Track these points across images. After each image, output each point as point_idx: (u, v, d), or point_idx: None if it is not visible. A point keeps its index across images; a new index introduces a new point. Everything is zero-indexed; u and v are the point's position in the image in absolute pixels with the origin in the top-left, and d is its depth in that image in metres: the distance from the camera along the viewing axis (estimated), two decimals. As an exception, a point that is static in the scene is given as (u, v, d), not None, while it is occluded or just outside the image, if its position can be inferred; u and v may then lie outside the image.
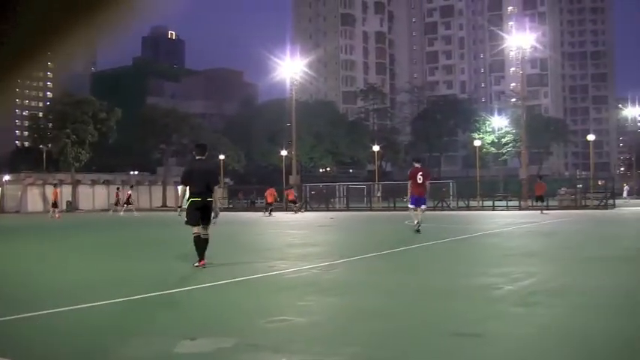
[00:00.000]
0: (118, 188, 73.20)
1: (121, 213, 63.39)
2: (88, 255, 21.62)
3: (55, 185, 62.63)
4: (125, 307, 10.45)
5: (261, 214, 59.15)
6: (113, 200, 70.98)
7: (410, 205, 28.63)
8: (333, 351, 7.13)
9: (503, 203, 67.36)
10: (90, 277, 14.88)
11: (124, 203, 65.30)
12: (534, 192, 54.74)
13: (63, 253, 22.72)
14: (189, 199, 16.11)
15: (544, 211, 51.36)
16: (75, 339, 8.08)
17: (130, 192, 67.95)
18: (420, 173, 28.06)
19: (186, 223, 16.12)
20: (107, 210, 78.86)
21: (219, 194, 17.95)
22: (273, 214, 57.53)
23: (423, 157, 33.55)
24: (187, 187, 16.24)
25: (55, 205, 57.51)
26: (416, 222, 27.81)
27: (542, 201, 53.18)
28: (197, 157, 16.77)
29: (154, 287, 12.41)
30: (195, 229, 16.03)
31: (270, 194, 60.52)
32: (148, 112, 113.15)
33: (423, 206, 28.47)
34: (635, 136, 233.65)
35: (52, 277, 15.24)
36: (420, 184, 27.82)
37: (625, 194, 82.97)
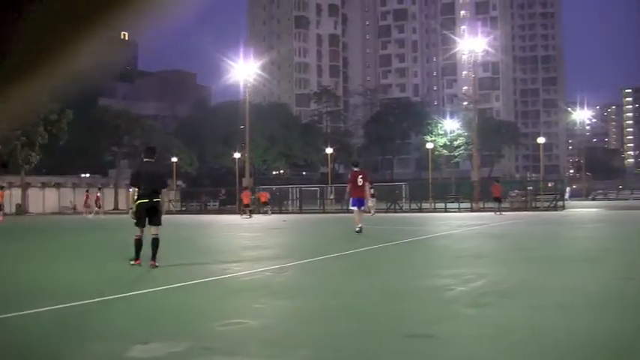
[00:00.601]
0: (87, 190, 72.17)
1: (90, 216, 62.77)
2: (36, 258, 21.42)
3: (2, 188, 61.37)
4: (75, 311, 10.34)
5: (238, 216, 59.15)
6: (82, 203, 70.27)
7: (351, 207, 29.97)
8: (285, 353, 7.13)
9: (456, 205, 67.83)
10: (40, 282, 14.75)
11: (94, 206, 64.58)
12: (492, 194, 55.63)
13: (3, 258, 22.48)
14: (137, 200, 16.29)
15: (501, 213, 52.06)
16: (23, 345, 8.01)
17: (98, 194, 67.09)
18: (360, 176, 29.36)
19: (136, 224, 16.31)
20: (57, 213, 78.31)
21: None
22: (253, 215, 57.97)
23: (358, 161, 35.64)
24: (136, 189, 16.41)
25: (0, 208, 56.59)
26: (359, 225, 28.72)
27: (500, 202, 54.05)
28: (146, 160, 16.99)
29: (105, 291, 12.31)
30: (139, 232, 16.23)
31: (245, 195, 60.79)
32: (99, 113, 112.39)
33: (363, 207, 30.10)
34: (584, 139, 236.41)
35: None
36: (359, 186, 29.10)
37: (567, 195, 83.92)
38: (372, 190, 51.61)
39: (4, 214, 57.09)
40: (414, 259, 19.06)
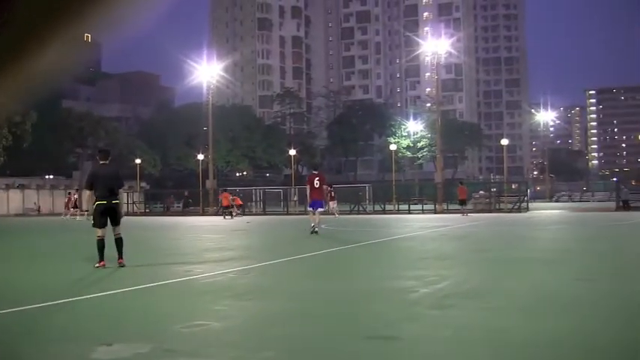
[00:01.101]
0: (69, 193, 71.25)
1: (67, 217, 62.34)
2: (6, 260, 21.32)
3: None
4: (38, 313, 10.30)
5: (221, 218, 58.97)
6: (63, 204, 69.55)
7: (308, 209, 31.78)
8: (248, 355, 7.14)
9: (419, 207, 68.08)
10: (3, 283, 14.69)
11: (72, 207, 63.82)
12: (458, 196, 56.26)
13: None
14: (95, 202, 16.53)
15: (467, 214, 52.52)
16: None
17: (75, 196, 66.22)
18: (317, 179, 30.83)
19: (93, 225, 16.59)
20: (21, 215, 77.79)
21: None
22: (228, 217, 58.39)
23: (317, 165, 37.93)
24: (92, 191, 16.67)
25: None
26: (313, 224, 30.20)
27: (465, 204, 54.64)
28: (101, 162, 17.22)
29: (67, 292, 12.29)
30: (100, 232, 16.43)
31: (225, 197, 61.07)
32: (63, 115, 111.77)
33: (320, 209, 31.18)
34: (548, 141, 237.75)
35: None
36: (316, 188, 30.68)
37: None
38: (332, 193, 53.13)
39: None
40: (378, 260, 19.07)
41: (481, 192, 69.96)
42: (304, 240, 28.45)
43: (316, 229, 29.88)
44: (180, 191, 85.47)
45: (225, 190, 64.16)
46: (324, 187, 32.54)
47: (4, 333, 8.80)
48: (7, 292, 13.11)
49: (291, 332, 8.33)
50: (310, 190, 30.83)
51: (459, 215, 52.32)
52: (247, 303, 11.03)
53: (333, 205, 55.36)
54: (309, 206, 31.38)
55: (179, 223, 51.52)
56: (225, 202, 60.30)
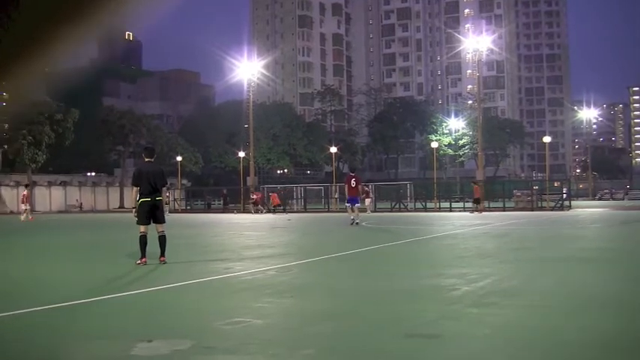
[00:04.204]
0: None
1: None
2: (50, 257, 21.45)
3: (26, 186, 59.75)
4: (80, 309, 10.37)
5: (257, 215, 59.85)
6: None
7: (347, 205, 38.11)
8: (288, 353, 7.13)
9: (460, 205, 67.76)
10: (48, 279, 14.79)
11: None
12: (472, 195, 56.74)
13: (31, 255, 22.51)
14: (139, 200, 16.67)
15: (475, 213, 52.76)
16: (32, 341, 8.01)
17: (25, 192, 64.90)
18: (353, 179, 37.23)
19: (137, 223, 16.72)
20: (63, 211, 78.30)
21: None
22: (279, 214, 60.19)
23: (355, 167, 45.56)
24: (138, 188, 16.77)
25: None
26: (352, 217, 36.29)
27: (478, 203, 54.86)
28: (146, 160, 17.40)
29: (110, 289, 12.36)
30: (143, 229, 16.61)
31: (274, 197, 65.17)
32: (104, 113, 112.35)
33: (357, 205, 37.23)
34: (590, 138, 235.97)
35: (12, 279, 15.12)
36: (353, 187, 36.81)
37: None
38: (367, 190, 56.49)
39: (31, 211, 55.84)
40: (419, 258, 19.01)
41: (515, 190, 69.75)
42: (345, 237, 28.44)
43: (356, 220, 35.76)
44: (219, 189, 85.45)
45: (274, 191, 65.91)
46: (360, 186, 38.72)
47: (44, 329, 8.84)
48: (49, 288, 13.22)
49: (332, 330, 8.31)
50: (348, 189, 36.94)
51: (500, 213, 52.11)
52: (287, 300, 11.02)
53: (368, 202, 58.20)
54: (347, 202, 37.45)
55: (220, 220, 51.63)
56: (275, 202, 62.43)
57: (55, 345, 7.87)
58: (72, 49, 2.09)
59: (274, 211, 62.54)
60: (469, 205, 64.27)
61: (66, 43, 2.02)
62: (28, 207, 54.50)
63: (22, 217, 52.71)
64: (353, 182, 36.89)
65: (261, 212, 62.34)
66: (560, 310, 9.49)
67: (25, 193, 54.73)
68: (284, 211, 61.99)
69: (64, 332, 8.64)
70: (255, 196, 65.67)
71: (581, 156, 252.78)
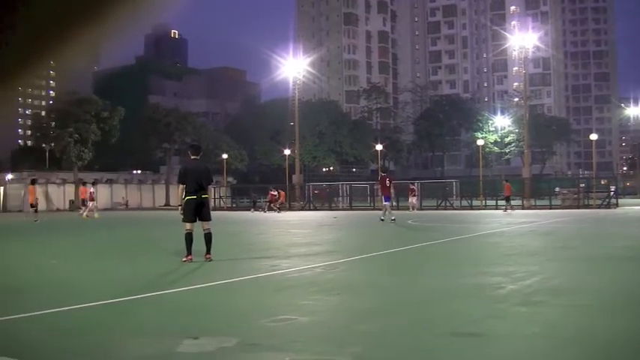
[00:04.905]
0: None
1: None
2: (98, 254, 21.62)
3: (84, 184, 58.28)
4: (128, 305, 10.48)
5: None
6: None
7: (384, 203, 39.99)
8: (335, 350, 7.14)
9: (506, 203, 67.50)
10: (94, 276, 14.92)
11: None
12: (503, 192, 56.96)
13: (80, 252, 22.71)
14: (185, 197, 16.75)
15: (508, 211, 52.67)
16: (78, 338, 8.08)
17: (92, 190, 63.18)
18: (387, 179, 40.51)
19: (183, 220, 16.81)
20: (110, 209, 78.79)
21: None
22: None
23: (386, 169, 50.52)
24: (184, 186, 16.87)
25: (84, 203, 54.75)
26: (387, 213, 39.01)
27: (509, 201, 54.86)
28: (192, 157, 17.47)
29: (156, 286, 12.46)
30: (189, 226, 16.69)
31: (272, 195, 66.12)
32: (150, 111, 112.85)
33: (388, 203, 39.79)
34: (637, 136, 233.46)
35: (56, 276, 15.25)
36: (387, 187, 39.59)
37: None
38: (412, 188, 58.65)
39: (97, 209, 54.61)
40: (465, 256, 18.97)
41: (557, 188, 69.55)
42: (390, 235, 28.43)
43: (392, 217, 38.11)
44: (265, 186, 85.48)
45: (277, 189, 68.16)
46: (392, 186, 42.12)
47: (91, 326, 8.92)
48: (94, 285, 13.29)
49: (378, 328, 8.30)
50: (382, 189, 40.36)
51: (546, 211, 51.80)
52: (334, 298, 11.02)
53: (413, 200, 61.49)
54: (386, 201, 39.77)
55: (265, 218, 51.74)
56: (273, 200, 65.22)
57: (104, 341, 7.92)
58: (117, 47, 2.10)
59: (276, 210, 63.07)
60: (516, 202, 64.02)
61: (111, 40, 2.04)
62: (96, 204, 53.86)
63: (97, 215, 52.37)
64: (387, 182, 39.97)
65: (278, 211, 62.32)
66: (606, 309, 9.43)
67: (92, 190, 53.53)
68: (277, 210, 62.26)
69: (112, 329, 8.70)
70: (271, 195, 66.10)
71: (628, 153, 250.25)
